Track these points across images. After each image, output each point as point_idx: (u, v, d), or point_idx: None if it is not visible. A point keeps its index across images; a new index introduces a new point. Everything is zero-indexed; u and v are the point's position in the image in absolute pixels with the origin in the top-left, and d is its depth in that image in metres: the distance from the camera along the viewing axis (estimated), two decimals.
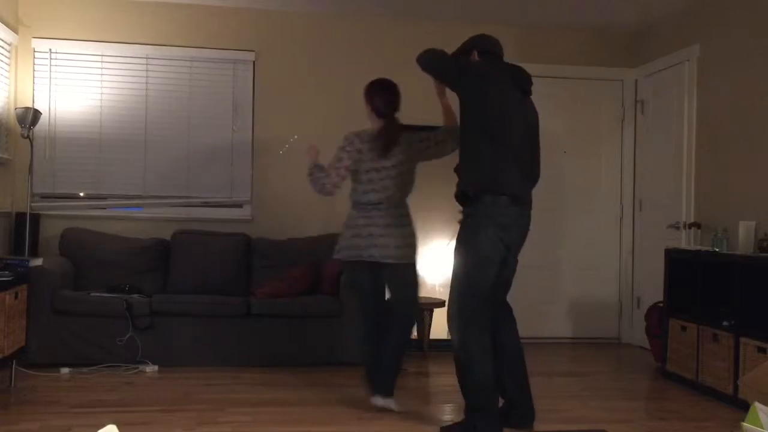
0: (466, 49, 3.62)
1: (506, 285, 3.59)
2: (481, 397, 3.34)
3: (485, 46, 3.59)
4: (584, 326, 6.18)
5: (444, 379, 4.77)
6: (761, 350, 3.89)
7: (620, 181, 6.22)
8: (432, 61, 3.58)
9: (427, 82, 5.93)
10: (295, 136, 5.75)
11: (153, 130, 5.61)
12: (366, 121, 5.85)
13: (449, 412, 3.94)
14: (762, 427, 1.84)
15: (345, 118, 5.84)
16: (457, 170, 3.55)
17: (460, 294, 3.36)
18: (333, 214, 5.76)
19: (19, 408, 3.75)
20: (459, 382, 3.41)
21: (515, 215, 3.36)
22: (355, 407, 3.92)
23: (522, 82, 3.47)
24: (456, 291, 3.38)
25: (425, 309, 5.36)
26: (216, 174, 5.70)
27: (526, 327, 5.75)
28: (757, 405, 1.92)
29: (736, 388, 4.01)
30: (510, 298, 6.42)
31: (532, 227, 5.85)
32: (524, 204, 3.43)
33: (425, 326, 5.31)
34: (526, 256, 5.91)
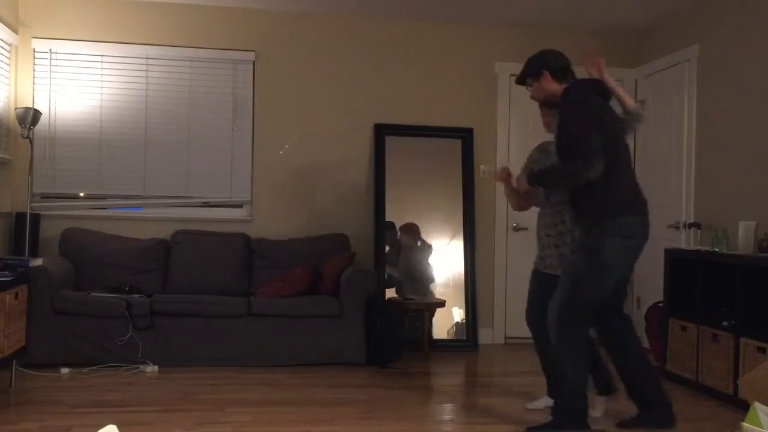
0: (534, 71, 3.50)
1: (624, 294, 3.60)
2: (571, 401, 3.31)
3: (557, 63, 3.48)
4: None
5: (444, 379, 4.77)
6: (761, 350, 3.89)
7: None
8: (560, 180, 3.39)
9: (426, 82, 5.96)
10: (295, 137, 5.75)
11: (153, 130, 5.61)
12: (359, 123, 5.86)
13: (449, 412, 3.94)
14: (762, 427, 1.84)
15: (345, 118, 5.86)
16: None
17: (572, 298, 3.30)
18: (333, 214, 5.77)
19: (19, 408, 3.75)
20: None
21: (638, 226, 3.33)
22: (355, 407, 3.92)
23: (604, 90, 3.43)
24: (567, 294, 3.31)
25: (425, 309, 5.36)
26: (216, 174, 5.70)
27: (526, 327, 5.78)
28: (757, 405, 1.92)
29: (736, 388, 4.01)
30: (510, 298, 6.42)
31: (531, 226, 5.81)
32: (645, 213, 3.39)
33: (425, 326, 5.30)
34: (527, 256, 5.95)
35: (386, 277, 5.65)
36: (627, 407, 3.67)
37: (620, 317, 3.62)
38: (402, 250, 5.77)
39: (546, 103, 3.63)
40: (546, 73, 3.47)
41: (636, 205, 3.35)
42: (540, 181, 3.50)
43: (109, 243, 5.27)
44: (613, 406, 3.81)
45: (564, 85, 3.45)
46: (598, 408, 3.82)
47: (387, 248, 5.71)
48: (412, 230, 5.76)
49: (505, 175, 3.93)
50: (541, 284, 3.83)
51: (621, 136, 3.38)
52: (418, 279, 5.74)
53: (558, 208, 3.74)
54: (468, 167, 5.86)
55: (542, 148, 3.96)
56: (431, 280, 5.75)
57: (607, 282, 3.32)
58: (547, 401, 3.88)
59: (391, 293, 5.62)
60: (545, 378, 3.93)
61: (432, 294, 5.71)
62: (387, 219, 5.71)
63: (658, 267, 5.10)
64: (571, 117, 3.32)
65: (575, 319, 3.31)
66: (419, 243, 5.78)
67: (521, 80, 3.62)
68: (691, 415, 3.93)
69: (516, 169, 4.09)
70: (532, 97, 3.61)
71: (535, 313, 3.88)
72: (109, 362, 4.63)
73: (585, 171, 3.19)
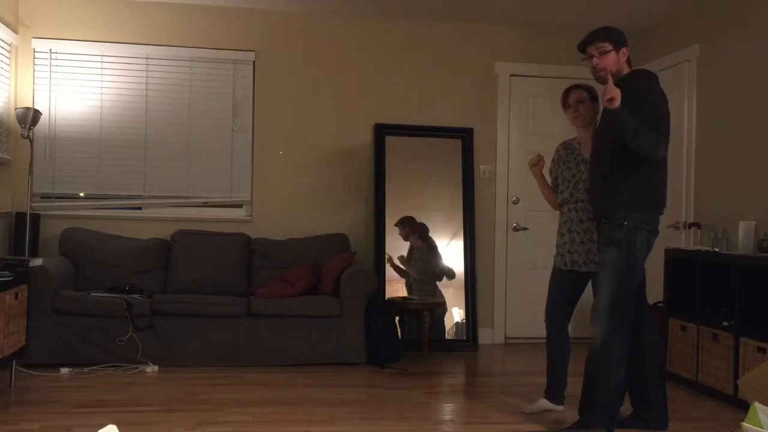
0: (617, 40, 3.50)
1: (644, 284, 3.62)
2: (608, 402, 3.31)
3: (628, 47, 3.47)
4: (585, 326, 6.10)
5: (444, 379, 4.76)
6: (761, 350, 3.89)
7: None
8: (648, 145, 3.33)
9: (426, 82, 5.96)
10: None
11: (153, 130, 5.61)
12: (359, 123, 5.86)
13: (449, 412, 3.94)
14: (762, 427, 1.84)
15: (345, 118, 5.86)
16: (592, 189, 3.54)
17: (616, 295, 3.32)
18: (333, 214, 5.77)
19: (19, 408, 3.75)
20: (587, 381, 3.37)
21: (658, 222, 3.43)
22: (355, 407, 3.92)
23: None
24: (611, 291, 3.32)
25: (425, 309, 5.35)
26: (216, 174, 5.70)
27: (526, 327, 5.79)
28: (757, 405, 1.92)
29: (736, 388, 4.01)
30: (510, 298, 6.41)
31: (531, 226, 5.85)
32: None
33: (425, 326, 5.30)
34: (527, 256, 5.95)
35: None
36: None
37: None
38: (414, 252, 5.73)
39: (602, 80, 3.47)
40: (626, 50, 3.49)
41: (663, 203, 3.46)
42: (623, 120, 3.24)
43: (109, 243, 5.27)
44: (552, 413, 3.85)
45: (629, 69, 3.49)
46: (538, 404, 3.87)
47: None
48: (421, 228, 5.74)
49: (537, 160, 3.97)
50: (565, 282, 3.85)
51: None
52: (432, 279, 5.73)
53: (583, 204, 3.77)
54: (468, 167, 5.85)
55: (567, 145, 4.00)
56: (452, 275, 5.74)
57: (638, 274, 3.40)
58: (544, 404, 3.87)
59: (391, 293, 5.62)
60: (547, 379, 3.93)
61: (441, 293, 5.69)
62: (386, 218, 5.68)
63: (658, 267, 5.10)
64: (657, 99, 3.40)
65: (625, 315, 3.34)
66: (429, 242, 5.75)
67: (587, 43, 3.50)
68: (691, 415, 3.94)
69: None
70: (600, 67, 3.46)
71: (557, 312, 3.89)
72: (109, 362, 4.63)
73: (657, 146, 3.29)
